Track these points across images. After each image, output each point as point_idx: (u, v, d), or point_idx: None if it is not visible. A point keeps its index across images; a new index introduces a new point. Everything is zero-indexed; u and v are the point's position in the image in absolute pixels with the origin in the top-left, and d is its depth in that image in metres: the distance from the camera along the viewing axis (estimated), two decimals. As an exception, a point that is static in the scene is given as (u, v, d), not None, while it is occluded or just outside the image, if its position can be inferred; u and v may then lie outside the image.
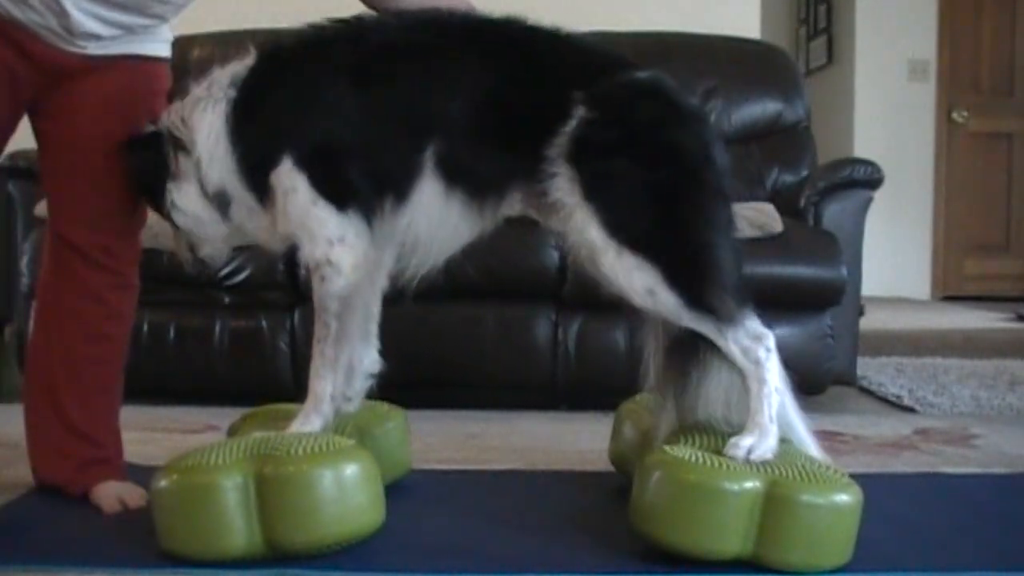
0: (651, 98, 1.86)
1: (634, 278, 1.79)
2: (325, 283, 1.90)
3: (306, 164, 1.88)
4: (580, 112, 1.80)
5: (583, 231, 1.80)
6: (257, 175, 1.92)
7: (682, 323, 1.81)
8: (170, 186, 1.97)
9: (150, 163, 1.97)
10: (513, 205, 1.95)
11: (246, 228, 2.00)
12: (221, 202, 1.96)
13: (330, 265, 1.89)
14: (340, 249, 1.88)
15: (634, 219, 1.79)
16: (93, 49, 1.93)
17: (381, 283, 2.07)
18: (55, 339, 2.07)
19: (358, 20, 1.97)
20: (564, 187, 1.80)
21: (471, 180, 1.89)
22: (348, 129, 1.89)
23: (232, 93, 1.94)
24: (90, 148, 2.00)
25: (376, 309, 2.10)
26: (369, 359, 2.10)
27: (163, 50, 2.07)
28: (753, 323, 1.80)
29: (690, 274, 1.78)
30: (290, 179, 1.88)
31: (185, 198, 1.97)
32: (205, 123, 1.93)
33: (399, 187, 1.89)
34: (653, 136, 1.82)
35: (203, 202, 1.97)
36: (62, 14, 1.86)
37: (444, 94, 1.88)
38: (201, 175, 1.94)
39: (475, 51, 1.91)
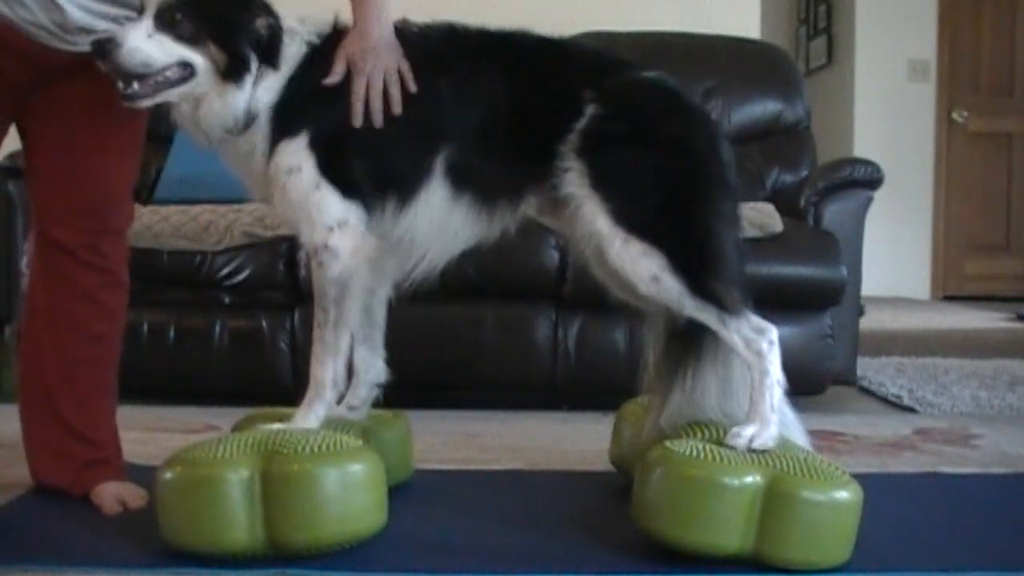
0: (658, 94, 1.93)
1: (640, 265, 1.82)
2: (323, 268, 1.92)
3: (318, 146, 1.89)
4: (591, 109, 1.86)
5: (592, 220, 1.84)
6: (280, 125, 1.91)
7: (685, 312, 1.84)
8: (258, 67, 1.88)
9: (264, 27, 1.88)
10: (527, 210, 1.98)
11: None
12: (250, 116, 1.90)
13: (328, 251, 1.90)
14: (339, 235, 1.90)
15: (641, 207, 1.83)
16: (84, 46, 1.93)
17: (385, 291, 2.08)
18: (48, 341, 2.06)
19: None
20: (575, 181, 1.85)
21: (482, 186, 1.92)
22: (357, 130, 1.90)
23: (315, 42, 1.94)
24: (76, 147, 2.00)
25: (381, 319, 2.10)
26: (375, 369, 2.11)
27: None
28: (756, 317, 1.83)
29: (694, 261, 1.82)
30: (297, 157, 1.89)
31: (255, 91, 1.89)
32: (290, 52, 1.92)
33: (405, 190, 1.92)
34: (661, 128, 1.88)
35: (239, 100, 1.88)
36: (56, 9, 1.86)
37: (458, 102, 1.92)
38: (257, 86, 1.89)
39: (487, 60, 1.96)
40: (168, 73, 1.83)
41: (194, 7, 1.84)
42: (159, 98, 1.86)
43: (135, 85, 1.82)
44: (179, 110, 1.92)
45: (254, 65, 1.88)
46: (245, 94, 1.88)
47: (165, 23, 1.82)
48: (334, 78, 1.91)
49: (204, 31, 1.84)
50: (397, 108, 1.90)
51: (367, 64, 1.89)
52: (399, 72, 1.91)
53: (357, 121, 1.89)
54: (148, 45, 1.80)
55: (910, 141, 7.29)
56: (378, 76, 1.89)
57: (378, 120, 1.90)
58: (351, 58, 1.91)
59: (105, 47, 1.79)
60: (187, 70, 1.84)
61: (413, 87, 1.91)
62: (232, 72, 1.86)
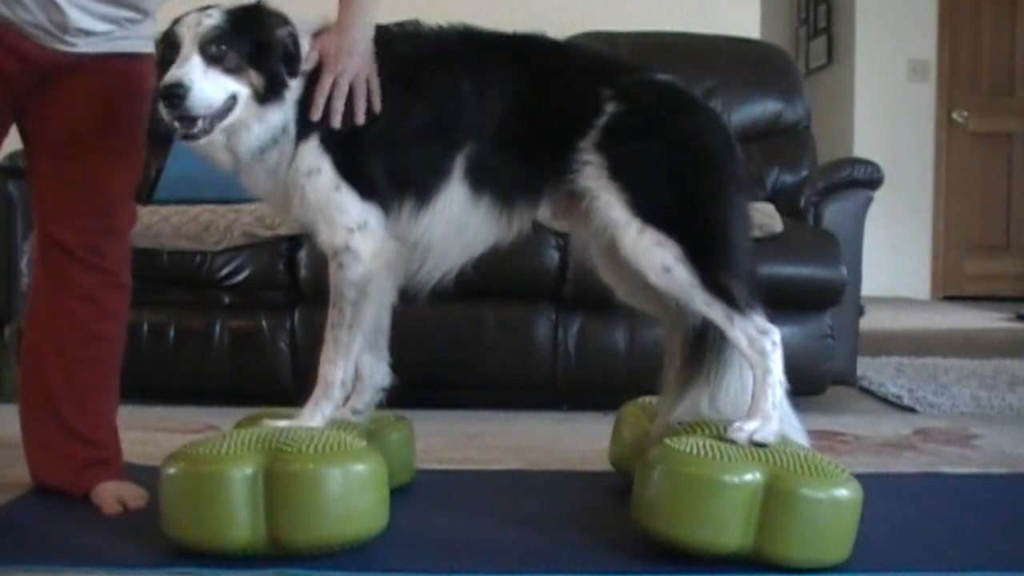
0: (673, 94, 1.97)
1: (653, 254, 1.84)
2: (343, 270, 1.91)
3: (332, 146, 1.89)
4: (611, 107, 1.88)
5: (608, 210, 1.86)
6: (301, 128, 1.90)
7: (693, 305, 1.85)
8: (291, 84, 1.88)
9: (286, 47, 1.88)
10: (542, 211, 1.99)
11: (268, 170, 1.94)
12: (284, 129, 1.89)
13: (349, 252, 1.90)
14: (360, 236, 1.90)
15: (658, 198, 1.86)
16: (83, 47, 1.93)
17: (391, 297, 2.06)
18: (49, 341, 2.06)
19: (400, 27, 2.01)
20: (592, 173, 1.87)
21: (501, 185, 1.93)
22: (376, 128, 1.90)
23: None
24: (77, 148, 2.00)
25: (386, 324, 2.09)
26: (380, 373, 2.10)
27: (147, 46, 2.04)
28: (761, 318, 1.84)
29: (708, 254, 1.84)
30: (315, 158, 1.89)
31: (272, 111, 1.87)
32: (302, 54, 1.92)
33: (423, 191, 1.92)
34: (679, 125, 1.91)
35: (277, 117, 1.88)
36: (56, 10, 1.86)
37: (477, 102, 1.92)
38: (285, 94, 1.88)
39: (504, 60, 1.96)
40: (220, 107, 1.81)
41: (231, 35, 1.82)
42: (214, 133, 1.83)
43: (199, 124, 1.80)
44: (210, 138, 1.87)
45: (289, 79, 1.87)
46: (284, 109, 1.88)
47: (212, 58, 1.80)
48: (305, 66, 1.89)
49: (245, 59, 1.83)
50: (360, 118, 1.88)
51: (338, 64, 1.88)
52: (368, 82, 1.89)
53: (315, 115, 1.87)
54: (208, 84, 1.78)
55: (910, 141, 7.29)
56: (345, 79, 1.88)
57: (336, 121, 1.88)
58: (324, 52, 1.90)
59: (175, 93, 1.75)
60: (231, 101, 1.82)
61: (378, 105, 1.89)
62: (271, 92, 1.85)
